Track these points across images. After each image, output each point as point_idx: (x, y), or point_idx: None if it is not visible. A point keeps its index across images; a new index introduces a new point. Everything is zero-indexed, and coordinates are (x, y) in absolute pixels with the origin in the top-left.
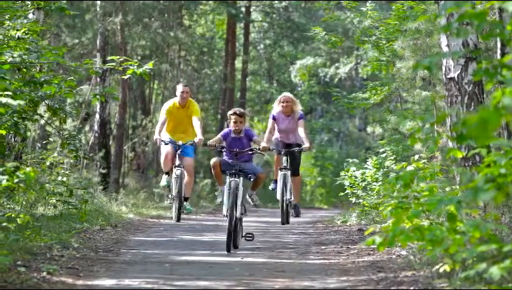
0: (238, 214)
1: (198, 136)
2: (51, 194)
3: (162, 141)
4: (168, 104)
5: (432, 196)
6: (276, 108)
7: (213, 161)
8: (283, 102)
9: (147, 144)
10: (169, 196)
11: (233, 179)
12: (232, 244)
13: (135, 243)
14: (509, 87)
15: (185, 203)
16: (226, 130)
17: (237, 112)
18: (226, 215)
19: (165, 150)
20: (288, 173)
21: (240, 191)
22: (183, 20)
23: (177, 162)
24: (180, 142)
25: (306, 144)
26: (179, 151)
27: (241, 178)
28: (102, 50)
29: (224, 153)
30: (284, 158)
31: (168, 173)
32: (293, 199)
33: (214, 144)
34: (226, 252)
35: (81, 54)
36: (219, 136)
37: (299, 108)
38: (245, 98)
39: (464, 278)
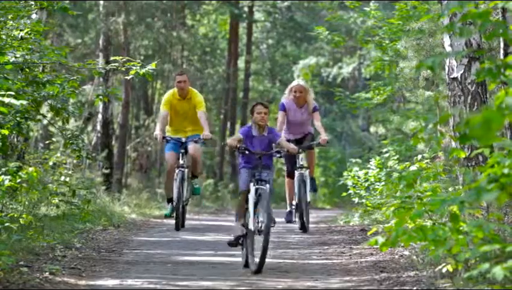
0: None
1: (205, 132)
2: (53, 194)
3: (164, 138)
4: (167, 95)
5: (435, 196)
6: (286, 97)
7: (242, 188)
8: (295, 92)
9: (150, 144)
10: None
11: (259, 186)
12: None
13: (138, 243)
14: None
15: (193, 181)
16: (245, 127)
17: (262, 103)
18: (252, 231)
19: (169, 162)
20: (307, 172)
21: (268, 198)
22: (186, 20)
23: (181, 161)
24: (183, 139)
25: (324, 136)
26: (182, 150)
27: (268, 186)
28: (105, 50)
29: (240, 156)
30: (301, 156)
31: (172, 201)
32: (308, 174)
33: (235, 144)
34: (229, 252)
35: (84, 54)
36: (239, 134)
37: (312, 98)
38: (248, 97)
39: (467, 278)
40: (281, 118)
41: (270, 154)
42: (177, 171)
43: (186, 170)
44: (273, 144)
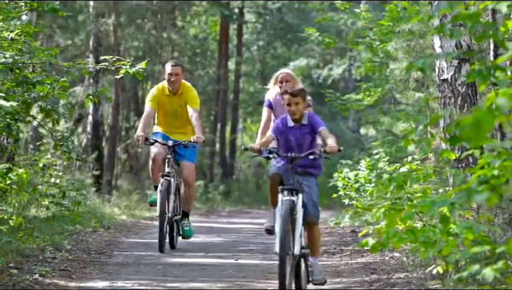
0: (296, 250)
1: (196, 134)
2: (43, 195)
3: (147, 140)
4: (154, 90)
5: (425, 197)
6: (272, 91)
7: (272, 172)
8: (281, 82)
9: (140, 146)
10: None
11: (288, 197)
12: None
13: (128, 245)
14: (503, 89)
15: (183, 221)
16: (280, 117)
17: (288, 90)
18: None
19: (154, 152)
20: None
21: (300, 215)
22: (176, 21)
23: (166, 168)
24: (170, 142)
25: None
26: (168, 155)
27: (300, 196)
28: (95, 51)
29: (271, 161)
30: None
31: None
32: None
33: (258, 147)
34: (219, 254)
35: (74, 55)
36: (270, 132)
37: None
38: (238, 99)
39: (457, 279)
40: (266, 117)
41: (303, 157)
42: (161, 180)
43: (172, 179)
44: (315, 135)
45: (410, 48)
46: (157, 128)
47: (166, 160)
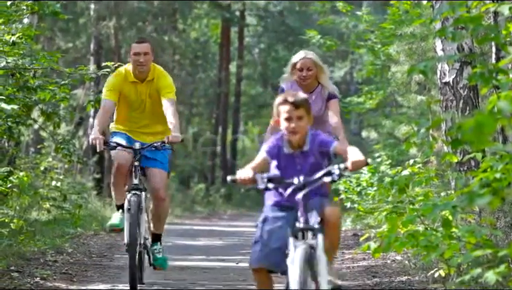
0: None
1: (173, 133)
2: (44, 199)
3: (107, 144)
4: (115, 76)
5: (427, 200)
6: (287, 78)
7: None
8: (301, 69)
9: None
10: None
11: (309, 242)
12: None
13: None
14: (505, 92)
15: (154, 247)
16: (273, 138)
17: (289, 99)
18: None
19: (118, 159)
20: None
21: (323, 261)
22: (177, 24)
23: (134, 179)
24: (137, 145)
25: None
26: (136, 162)
27: (320, 237)
28: (96, 54)
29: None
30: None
31: (122, 207)
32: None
33: (250, 177)
34: (220, 257)
35: (75, 58)
36: (262, 156)
37: (328, 78)
38: (239, 102)
39: (459, 283)
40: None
41: (318, 182)
42: (128, 196)
43: (143, 193)
44: (326, 159)
45: (412, 51)
46: (116, 128)
47: (133, 168)
